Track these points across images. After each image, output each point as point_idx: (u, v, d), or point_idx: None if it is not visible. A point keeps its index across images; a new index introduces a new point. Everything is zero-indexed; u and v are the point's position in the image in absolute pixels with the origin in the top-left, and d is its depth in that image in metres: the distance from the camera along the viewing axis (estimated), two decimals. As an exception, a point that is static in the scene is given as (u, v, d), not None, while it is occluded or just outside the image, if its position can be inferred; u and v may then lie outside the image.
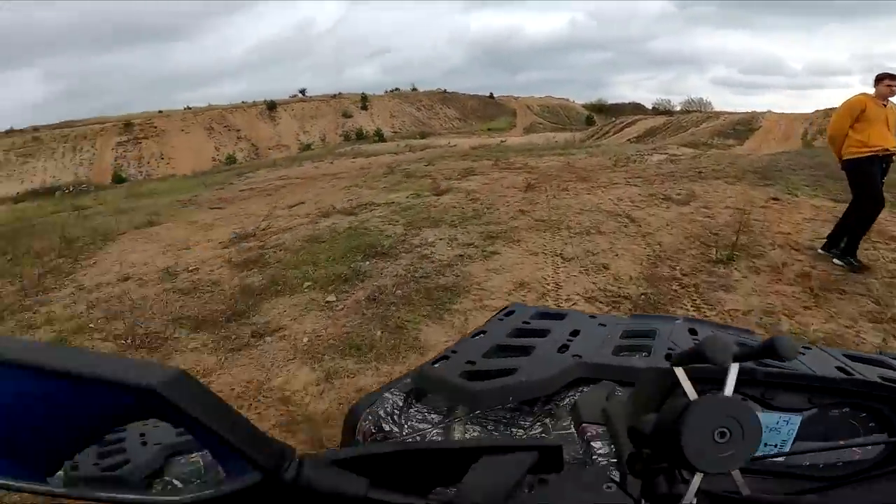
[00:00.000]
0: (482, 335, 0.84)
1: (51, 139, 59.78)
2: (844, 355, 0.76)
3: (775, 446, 0.56)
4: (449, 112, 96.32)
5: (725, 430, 0.36)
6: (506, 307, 1.00)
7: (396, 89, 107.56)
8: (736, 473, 0.39)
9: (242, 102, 78.52)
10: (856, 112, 3.57)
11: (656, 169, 8.82)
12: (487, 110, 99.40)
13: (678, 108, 79.80)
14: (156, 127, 64.64)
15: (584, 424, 0.52)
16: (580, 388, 0.66)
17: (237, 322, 3.36)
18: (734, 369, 0.39)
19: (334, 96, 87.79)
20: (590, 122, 76.64)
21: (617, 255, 4.17)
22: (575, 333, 0.82)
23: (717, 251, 4.04)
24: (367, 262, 4.30)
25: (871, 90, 3.66)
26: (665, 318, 1.03)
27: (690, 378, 0.41)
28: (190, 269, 4.67)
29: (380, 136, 55.32)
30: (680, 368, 0.41)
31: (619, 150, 12.25)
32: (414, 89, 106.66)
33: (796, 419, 0.56)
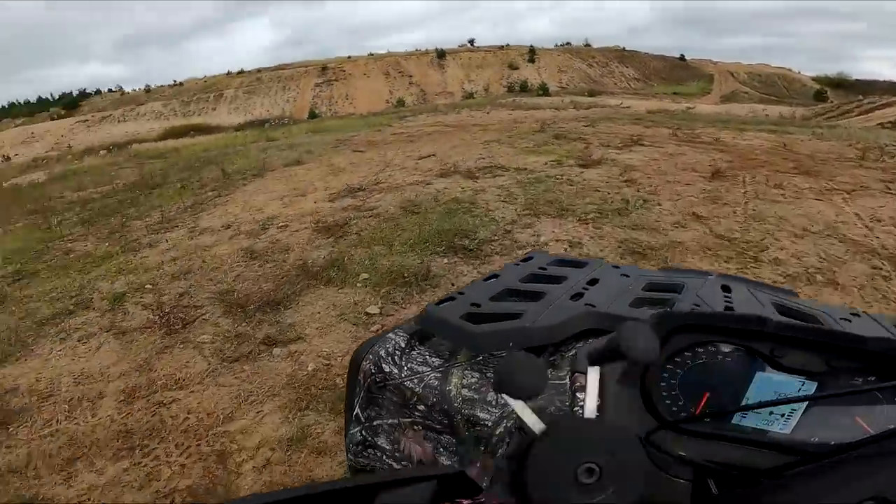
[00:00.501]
0: (494, 279, 0.79)
1: (269, 79, 71.75)
2: None
3: (782, 416, 0.45)
4: (626, 71, 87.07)
5: (593, 466, 0.28)
6: (527, 253, 0.96)
7: (567, 43, 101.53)
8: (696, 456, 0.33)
9: (416, 50, 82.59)
10: None
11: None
12: (674, 73, 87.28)
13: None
14: (344, 71, 72.56)
15: (576, 374, 0.50)
16: (589, 340, 0.62)
17: (264, 314, 2.89)
18: (593, 373, 0.34)
19: (501, 48, 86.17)
20: (820, 97, 59.56)
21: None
22: (593, 282, 0.79)
23: None
24: (445, 259, 3.35)
25: None
26: (697, 272, 0.89)
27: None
28: (280, 225, 4.44)
29: (544, 90, 52.42)
30: (521, 402, 0.31)
31: (866, 136, 8.29)
32: (587, 45, 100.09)
33: (810, 386, 0.46)
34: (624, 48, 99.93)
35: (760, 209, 4.00)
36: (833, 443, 0.45)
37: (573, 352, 0.60)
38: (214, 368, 2.41)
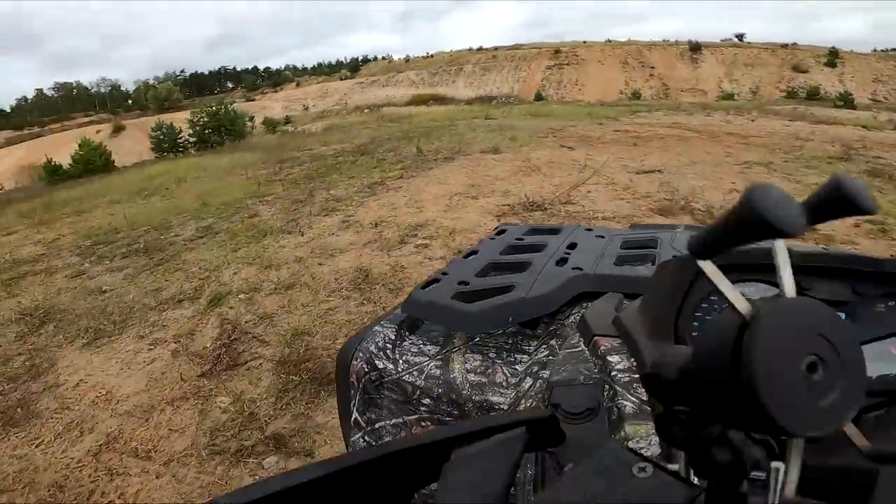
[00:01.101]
0: (474, 255, 0.79)
1: (503, 58, 73.40)
2: None
3: None
4: None
5: (815, 358, 0.23)
6: (497, 226, 0.96)
7: (894, 49, 77.00)
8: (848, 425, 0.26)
9: (664, 41, 74.35)
10: None
11: None
12: None
13: None
14: (577, 55, 69.22)
15: (596, 338, 0.48)
16: (584, 304, 0.62)
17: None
18: (782, 249, 0.25)
19: (784, 46, 70.74)
20: None
21: None
22: (572, 247, 0.79)
23: None
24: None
25: None
26: (664, 227, 0.96)
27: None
28: (420, 242, 3.55)
29: (846, 101, 38.84)
30: (708, 262, 0.26)
31: None
32: None
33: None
34: None
35: None
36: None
37: (571, 318, 0.60)
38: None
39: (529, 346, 0.61)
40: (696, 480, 0.26)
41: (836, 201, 0.23)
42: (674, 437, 0.26)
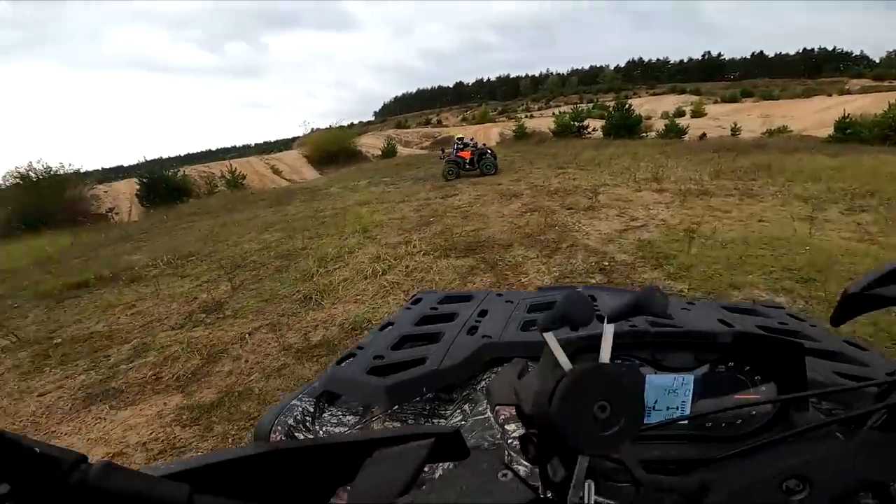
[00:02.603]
0: (390, 327, 0.82)
1: None
2: (723, 307, 0.86)
3: (676, 409, 0.54)
4: None
5: (605, 403, 0.33)
6: (414, 295, 1.01)
7: None
8: (629, 458, 0.38)
9: None
10: None
11: None
12: None
13: None
14: None
15: (497, 406, 0.52)
16: (495, 368, 0.67)
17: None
18: (609, 330, 0.35)
19: None
20: None
21: None
22: (483, 314, 0.84)
23: None
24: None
25: None
26: (569, 288, 0.96)
27: (571, 348, 0.43)
28: None
29: None
30: (549, 334, 0.36)
31: None
32: None
33: (689, 379, 0.54)
34: None
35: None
36: (724, 424, 0.53)
37: (482, 383, 0.66)
38: None
39: (445, 410, 0.64)
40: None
41: (633, 310, 0.35)
42: (527, 454, 0.36)
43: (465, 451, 0.38)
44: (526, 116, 50.54)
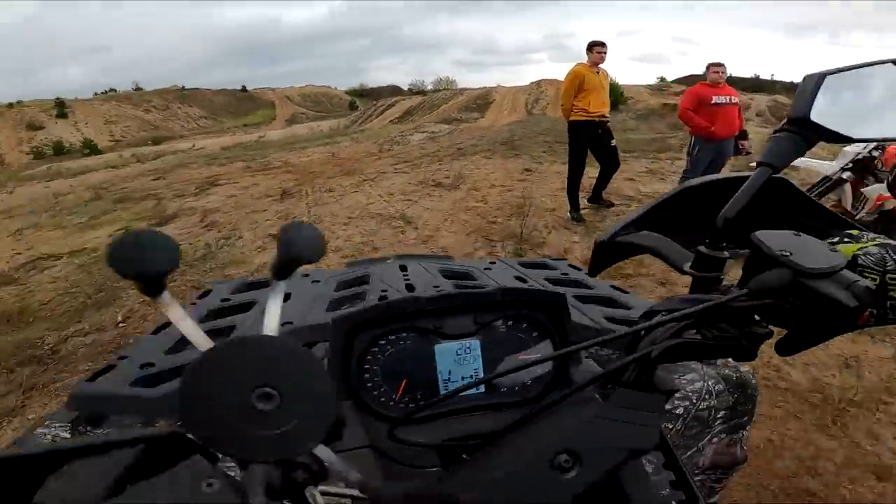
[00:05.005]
0: (166, 328, 0.68)
1: None
2: (520, 264, 0.83)
3: (471, 377, 0.51)
4: (192, 111, 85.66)
5: (269, 390, 0.24)
6: (201, 290, 0.86)
7: (112, 90, 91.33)
8: (326, 454, 0.27)
9: None
10: (577, 83, 3.77)
11: (420, 150, 8.69)
12: (242, 105, 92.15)
13: (430, 88, 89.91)
14: None
15: None
16: None
17: None
18: (276, 294, 0.29)
19: (10, 105, 67.07)
20: (353, 107, 78.16)
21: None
22: (287, 298, 0.71)
23: (503, 247, 3.67)
24: None
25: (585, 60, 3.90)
26: (378, 259, 0.94)
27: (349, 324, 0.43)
28: None
29: (92, 148, 43.26)
30: (174, 304, 0.28)
31: (382, 133, 12.03)
32: (138, 88, 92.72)
33: (475, 344, 0.51)
34: (184, 87, 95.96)
35: (319, 212, 4.95)
36: (517, 387, 0.51)
37: None
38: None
39: None
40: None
41: (288, 249, 0.29)
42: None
43: (192, 448, 0.29)
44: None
